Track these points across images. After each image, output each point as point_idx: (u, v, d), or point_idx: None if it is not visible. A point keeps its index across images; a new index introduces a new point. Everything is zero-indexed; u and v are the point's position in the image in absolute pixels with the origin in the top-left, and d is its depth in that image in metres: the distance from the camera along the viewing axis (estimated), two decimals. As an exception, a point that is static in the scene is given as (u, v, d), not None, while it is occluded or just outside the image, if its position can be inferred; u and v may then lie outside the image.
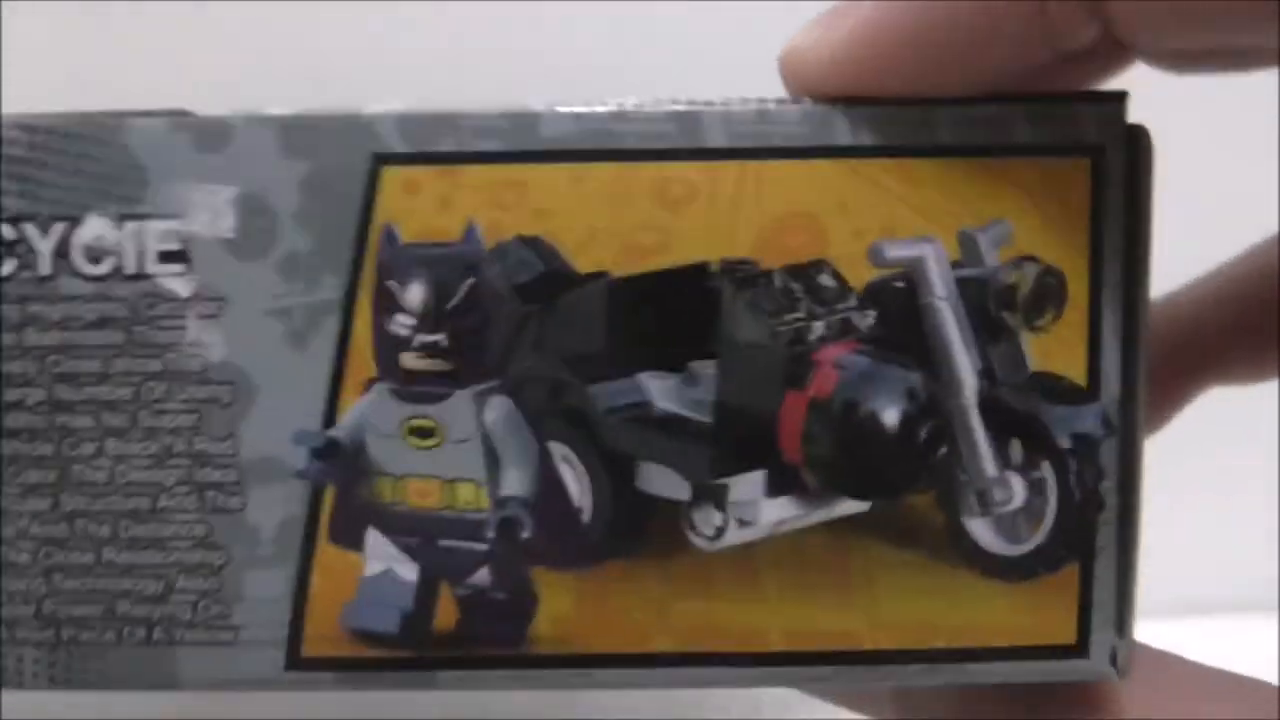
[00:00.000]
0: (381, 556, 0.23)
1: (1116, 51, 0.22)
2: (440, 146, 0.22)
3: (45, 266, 0.23)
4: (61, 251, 0.23)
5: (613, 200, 0.22)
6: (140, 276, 0.23)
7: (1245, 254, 0.30)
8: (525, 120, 0.22)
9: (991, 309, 0.22)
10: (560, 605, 0.23)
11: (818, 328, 0.23)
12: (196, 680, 0.23)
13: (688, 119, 0.22)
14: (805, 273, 0.22)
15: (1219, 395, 0.29)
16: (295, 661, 0.23)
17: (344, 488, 0.23)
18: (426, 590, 0.23)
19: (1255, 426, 0.39)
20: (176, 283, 0.23)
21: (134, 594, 0.23)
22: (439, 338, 0.22)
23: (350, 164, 0.22)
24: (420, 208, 0.22)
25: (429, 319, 0.22)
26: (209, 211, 0.23)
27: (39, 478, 0.23)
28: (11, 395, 0.23)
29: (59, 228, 0.23)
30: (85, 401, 0.23)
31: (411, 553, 0.23)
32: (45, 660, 0.23)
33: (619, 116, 0.22)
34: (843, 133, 0.22)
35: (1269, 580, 0.40)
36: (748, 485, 0.23)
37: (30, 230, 0.23)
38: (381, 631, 0.23)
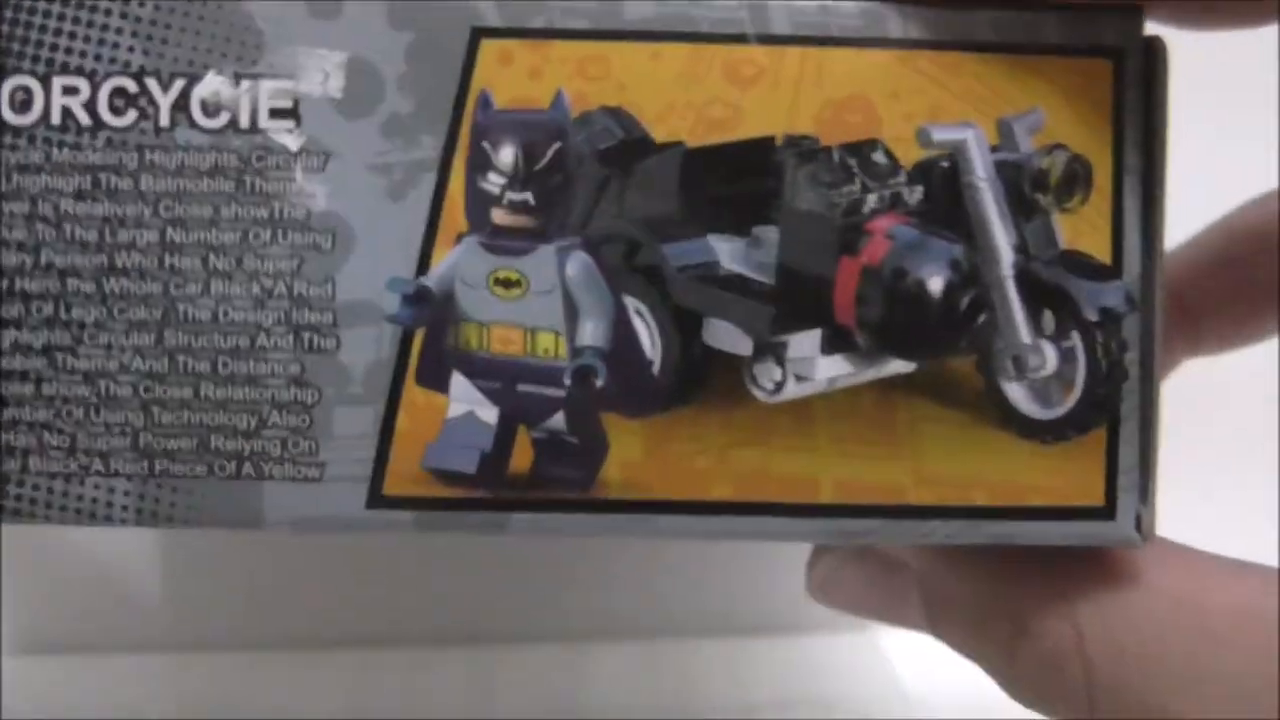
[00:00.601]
0: (465, 399, 0.24)
1: None
2: (532, 22, 0.24)
3: (164, 118, 0.24)
4: (180, 105, 0.24)
5: (688, 76, 0.24)
6: (253, 130, 0.24)
7: (1211, 226, 0.31)
8: (610, 2, 0.24)
9: (1026, 190, 0.24)
10: (629, 451, 0.24)
11: (871, 200, 0.24)
12: (280, 516, 0.24)
13: (757, 8, 0.24)
14: (860, 150, 0.24)
15: (1217, 395, 0.30)
16: (376, 499, 0.24)
17: (432, 333, 0.23)
18: (505, 432, 0.23)
19: (1255, 428, 0.40)
20: (286, 137, 0.24)
21: (227, 428, 0.24)
22: (527, 196, 0.24)
23: (451, 35, 0.24)
24: (513, 77, 0.24)
25: (518, 178, 0.24)
26: (319, 73, 0.24)
27: (145, 314, 0.24)
28: (124, 236, 0.24)
29: (179, 83, 0.24)
30: (195, 244, 0.24)
31: (493, 396, 0.24)
32: (135, 493, 0.24)
33: (695, 2, 0.24)
34: (895, 26, 0.24)
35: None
36: (805, 343, 0.24)
37: (152, 84, 0.24)
38: (461, 471, 0.24)
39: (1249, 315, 0.30)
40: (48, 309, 0.23)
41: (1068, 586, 0.24)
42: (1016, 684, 0.26)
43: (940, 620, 0.27)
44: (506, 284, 0.23)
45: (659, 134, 0.23)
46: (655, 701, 0.42)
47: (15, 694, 0.43)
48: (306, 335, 0.23)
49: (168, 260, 0.23)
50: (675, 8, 0.23)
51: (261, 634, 0.46)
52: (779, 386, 0.23)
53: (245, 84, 0.23)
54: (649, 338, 0.23)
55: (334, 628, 0.45)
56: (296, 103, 0.23)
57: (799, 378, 0.23)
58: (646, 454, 0.23)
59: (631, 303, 0.23)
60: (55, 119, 0.23)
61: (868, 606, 0.29)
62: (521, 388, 0.23)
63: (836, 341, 0.23)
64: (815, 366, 0.23)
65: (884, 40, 0.23)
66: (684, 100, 0.23)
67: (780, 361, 0.23)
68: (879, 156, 0.23)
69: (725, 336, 0.23)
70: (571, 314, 0.23)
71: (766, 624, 0.45)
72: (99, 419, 0.23)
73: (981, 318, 0.23)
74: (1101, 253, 0.23)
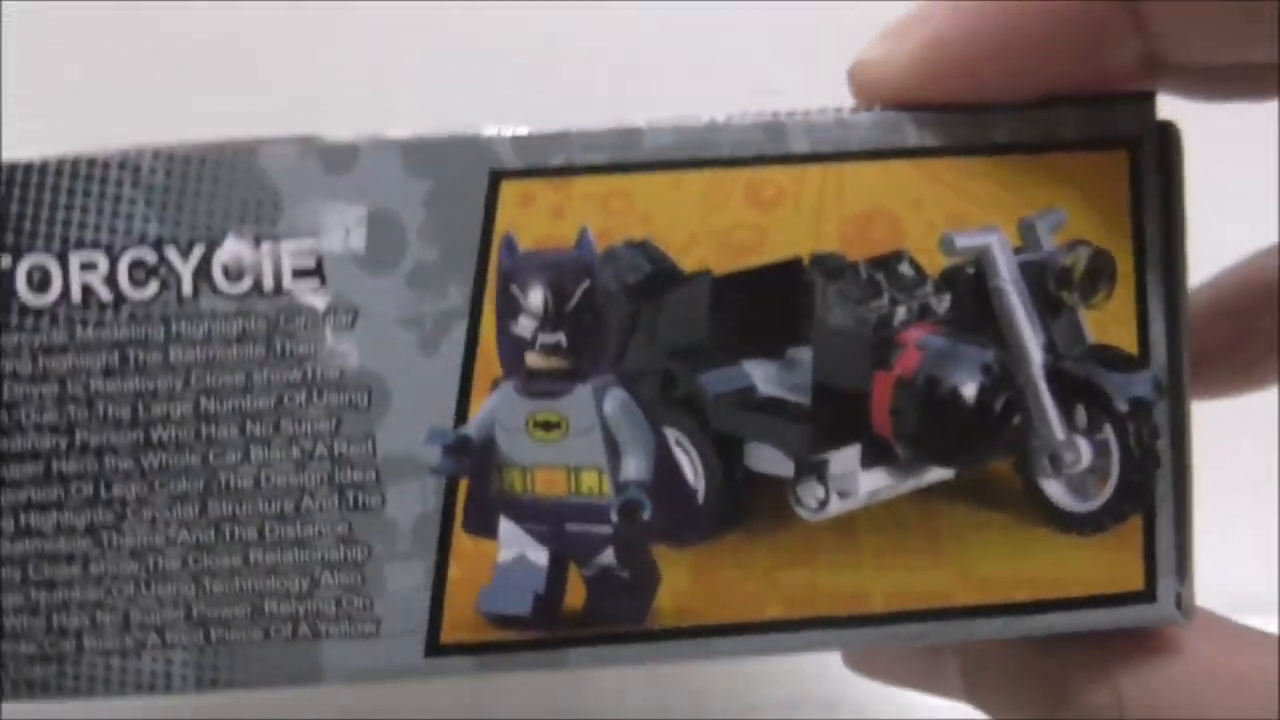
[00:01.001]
0: (514, 543, 0.23)
1: (1148, 73, 0.24)
2: (552, 161, 0.23)
3: (187, 287, 0.23)
4: (201, 272, 0.23)
5: (710, 203, 0.23)
6: (278, 292, 0.23)
7: (1216, 277, 0.31)
8: (629, 135, 0.23)
9: (1051, 289, 0.23)
10: (680, 580, 0.24)
11: (900, 312, 0.24)
12: (340, 672, 0.23)
13: (774, 128, 0.23)
14: (886, 263, 0.23)
15: (1221, 434, 0.30)
16: (435, 648, 0.23)
17: (476, 480, 0.23)
18: (556, 572, 0.23)
19: (1255, 427, 0.40)
20: (313, 297, 0.23)
21: (280, 592, 0.23)
22: (559, 337, 0.23)
23: (470, 180, 0.23)
24: (536, 218, 0.23)
25: (549, 320, 0.23)
26: (340, 229, 0.23)
27: (187, 486, 0.23)
28: (158, 410, 0.23)
29: (198, 249, 0.23)
30: (230, 412, 0.23)
31: (541, 538, 0.23)
32: (194, 662, 0.23)
33: (713, 127, 0.23)
34: (911, 136, 0.23)
35: (1269, 580, 0.41)
36: (845, 459, 0.24)
37: (171, 253, 0.23)
38: (516, 614, 0.23)
39: (1250, 364, 0.30)
40: (88, 489, 0.23)
41: (1108, 656, 0.25)
42: None
43: (979, 689, 0.27)
44: (546, 426, 0.23)
45: (686, 263, 0.23)
46: (655, 702, 0.42)
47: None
48: (351, 494, 0.23)
49: (204, 430, 0.23)
50: (692, 134, 0.23)
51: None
52: (823, 504, 0.23)
53: (266, 245, 0.23)
54: (691, 467, 0.23)
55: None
56: (320, 261, 0.23)
57: (842, 494, 0.23)
58: (696, 581, 0.23)
59: (672, 434, 0.23)
60: (76, 297, 0.23)
61: (906, 677, 0.29)
62: (569, 527, 0.23)
63: (876, 455, 0.23)
64: (857, 482, 0.23)
65: (901, 150, 0.23)
66: (708, 227, 0.23)
67: (822, 479, 0.23)
68: (905, 268, 0.23)
69: (767, 459, 0.23)
70: (613, 450, 0.23)
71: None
72: (150, 593, 0.23)
73: (1016, 419, 0.23)
74: (1128, 343, 0.23)
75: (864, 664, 0.29)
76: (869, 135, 0.23)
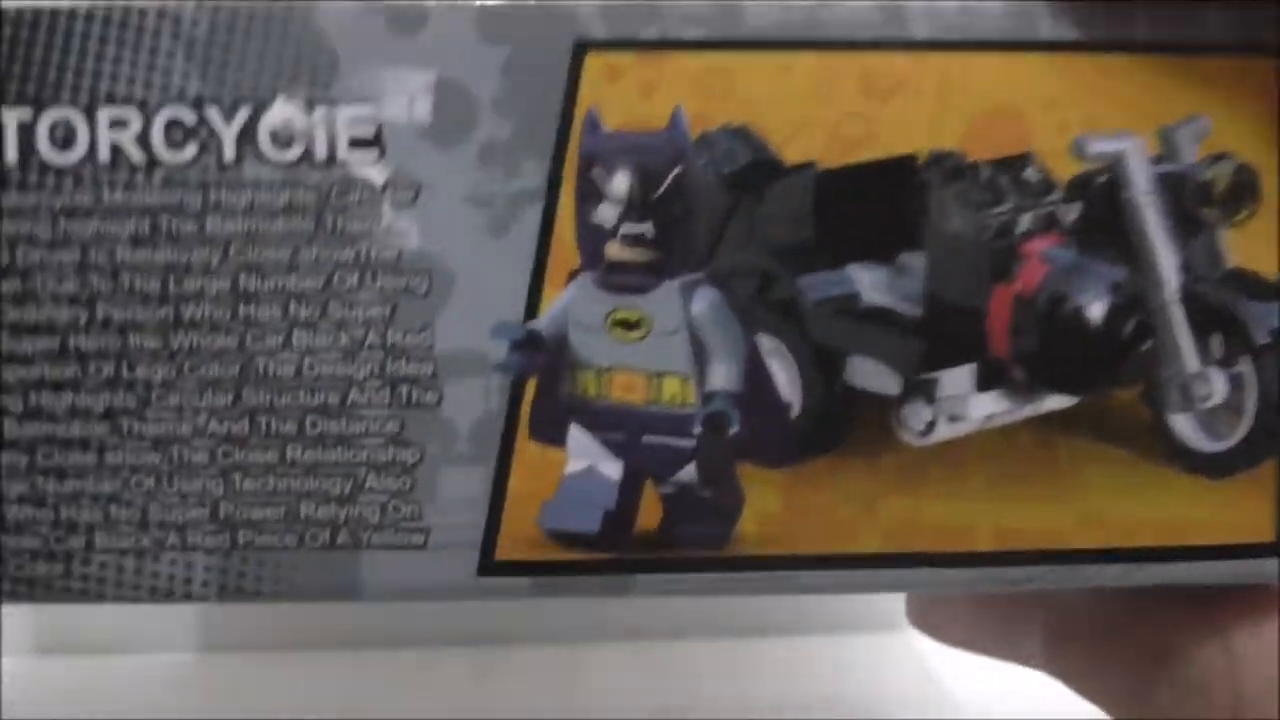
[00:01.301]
0: (584, 453, 0.20)
1: None
2: (644, 33, 0.21)
3: (229, 152, 0.21)
4: (246, 136, 0.20)
5: (819, 90, 0.21)
6: (331, 163, 0.20)
7: None
8: (729, 8, 0.21)
9: (1190, 204, 0.21)
10: (767, 504, 0.21)
11: (1024, 221, 0.21)
12: (381, 588, 0.21)
13: (892, 9, 0.21)
14: (1011, 166, 0.21)
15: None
16: (488, 566, 0.21)
17: (545, 382, 0.20)
18: (630, 488, 0.20)
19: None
20: (370, 169, 0.21)
21: (319, 494, 0.21)
22: (645, 227, 0.21)
23: (552, 50, 0.20)
24: (623, 95, 0.21)
25: (634, 208, 0.20)
26: (404, 96, 0.20)
27: (220, 371, 0.21)
28: (192, 285, 0.20)
29: (244, 111, 0.20)
30: (272, 292, 0.21)
31: (615, 449, 0.20)
32: (218, 568, 0.21)
33: (823, 5, 0.21)
34: (1045, 27, 0.21)
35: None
36: (957, 379, 0.21)
37: (213, 114, 0.20)
38: (582, 531, 0.21)
39: None
40: (108, 369, 0.20)
41: (1219, 614, 0.22)
42: (1150, 713, 0.23)
43: (1063, 656, 0.24)
44: (626, 325, 0.20)
45: (789, 155, 0.20)
46: (654, 702, 0.40)
47: (15, 691, 0.41)
48: (404, 389, 0.20)
49: (242, 310, 0.20)
50: (801, 12, 0.20)
51: (261, 635, 0.43)
52: (930, 428, 0.20)
53: (320, 110, 0.20)
54: (786, 379, 0.20)
55: (335, 629, 0.43)
56: (379, 130, 0.20)
57: (951, 418, 0.20)
58: (786, 506, 0.20)
59: (766, 341, 0.20)
60: (103, 156, 0.20)
61: (978, 641, 0.26)
62: (647, 439, 0.20)
63: (991, 377, 0.20)
64: (969, 405, 0.20)
65: (1034, 43, 0.20)
66: (815, 116, 0.20)
67: (931, 400, 0.20)
68: (1031, 173, 0.20)
69: (870, 375, 0.20)
70: (700, 355, 0.20)
71: (767, 625, 0.44)
72: (172, 489, 0.20)
73: (1146, 345, 0.20)
74: (1270, 269, 0.21)
75: (932, 623, 0.27)
76: (998, 23, 0.20)
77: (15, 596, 0.20)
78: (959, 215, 0.20)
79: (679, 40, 0.20)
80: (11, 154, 0.19)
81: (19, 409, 0.19)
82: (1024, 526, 0.20)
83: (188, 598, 0.20)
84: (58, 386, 0.20)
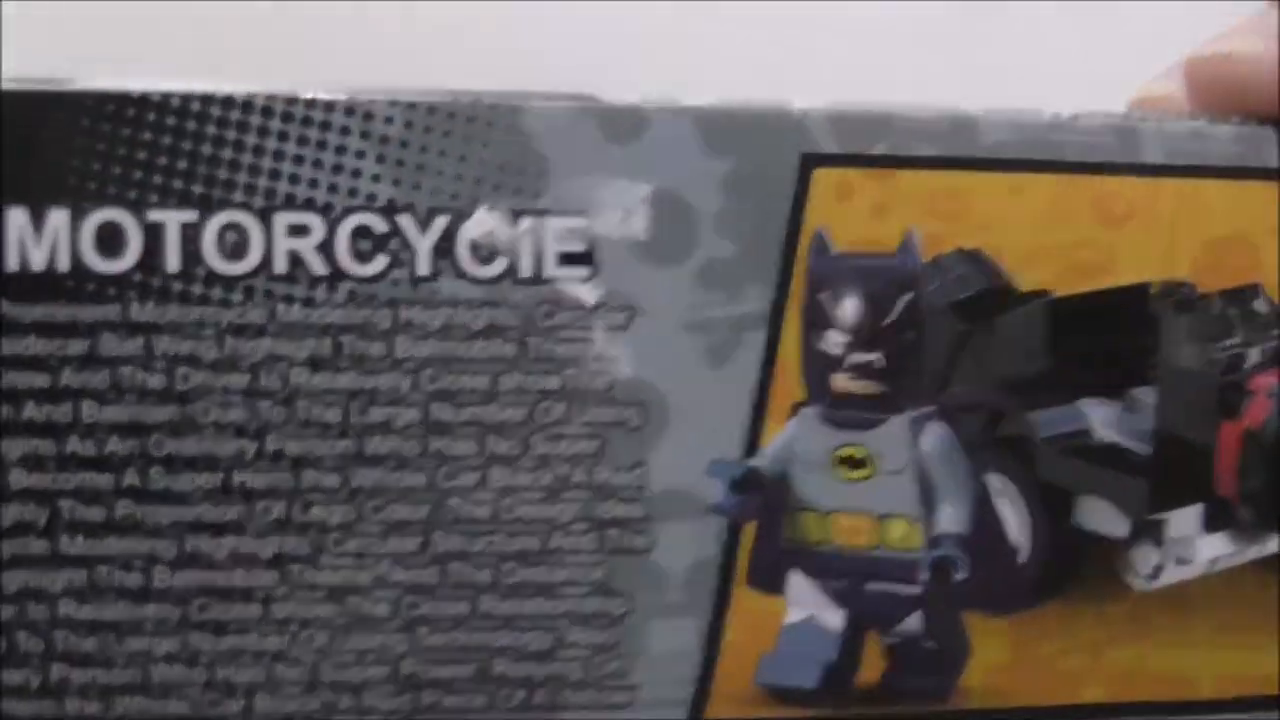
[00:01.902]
0: (805, 602, 0.18)
1: None
2: (874, 149, 0.19)
3: (423, 266, 0.18)
4: (443, 249, 0.18)
5: (1053, 214, 0.19)
6: (537, 280, 0.18)
7: None
8: (963, 124, 0.19)
9: None
10: (993, 654, 0.19)
11: (1253, 355, 0.20)
12: (578, 752, 0.18)
13: (1126, 132, 0.19)
14: (1241, 296, 0.19)
15: None
16: (697, 726, 0.18)
17: (765, 525, 0.17)
18: (853, 639, 0.18)
19: None
20: (580, 289, 0.18)
21: (515, 650, 0.18)
22: (874, 357, 0.19)
23: (778, 163, 0.18)
24: (853, 214, 0.19)
25: (863, 336, 0.18)
26: (619, 209, 0.18)
27: (408, 513, 0.18)
28: (377, 415, 0.18)
29: (441, 221, 0.18)
30: (467, 424, 0.18)
31: (838, 597, 0.18)
32: (395, 733, 0.18)
33: (1056, 126, 0.19)
34: (1272, 154, 0.20)
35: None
36: (1185, 520, 0.19)
37: (406, 222, 0.18)
38: (799, 687, 0.18)
39: None
40: (278, 509, 0.17)
41: None
42: None
43: None
44: (852, 463, 0.18)
45: (1022, 281, 0.18)
46: None
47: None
48: (613, 533, 0.18)
49: (433, 444, 0.17)
50: (1035, 132, 0.18)
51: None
52: (1157, 571, 0.19)
53: (526, 222, 0.17)
54: (1014, 521, 0.18)
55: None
56: (592, 246, 0.17)
57: (1179, 560, 0.19)
58: (1012, 657, 0.18)
59: (995, 480, 0.18)
60: (280, 266, 0.17)
61: None
62: (871, 586, 0.18)
63: (1218, 518, 0.19)
64: (1196, 547, 0.19)
65: (1262, 170, 0.19)
66: (1049, 242, 0.18)
67: (1159, 543, 0.19)
68: (1260, 304, 0.19)
69: (1099, 517, 0.19)
70: (928, 496, 0.18)
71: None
72: (348, 645, 0.17)
73: (1371, 485, 0.19)
74: None
75: None
76: (1227, 149, 0.19)
77: (165, 770, 0.17)
78: (1190, 349, 0.18)
79: (911, 157, 0.18)
80: (174, 262, 0.16)
81: (171, 555, 0.16)
82: (1246, 674, 0.19)
83: (354, 765, 0.17)
84: (219, 529, 0.16)
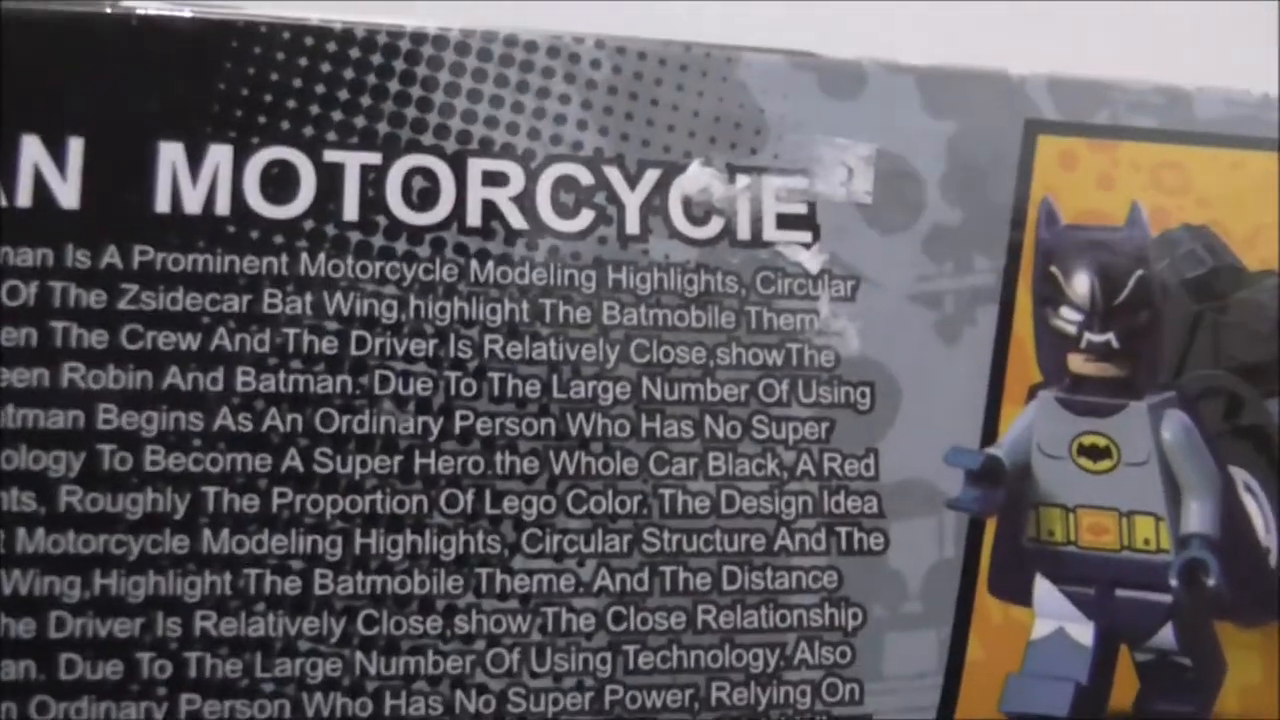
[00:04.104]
0: (1052, 612, 0.13)
1: None
2: (1096, 118, 0.16)
3: (632, 223, 0.14)
4: (654, 205, 0.14)
5: (1273, 191, 0.16)
6: (756, 243, 0.14)
7: None
8: (1179, 98, 0.16)
9: None
10: (1248, 672, 0.15)
11: None
12: (808, 794, 0.14)
13: (1331, 115, 0.17)
14: None
15: None
16: (939, 760, 0.14)
17: (1006, 522, 0.13)
18: (1104, 656, 0.13)
19: None
20: (802, 253, 0.14)
21: (735, 672, 0.14)
22: (1108, 337, 0.15)
23: (1003, 129, 0.15)
24: (1079, 184, 0.15)
25: (1096, 315, 0.15)
26: (840, 169, 0.15)
27: (613, 507, 0.14)
28: (580, 390, 0.14)
29: (652, 175, 0.14)
30: (682, 404, 0.14)
31: (1086, 607, 0.13)
32: (596, 775, 0.13)
33: (1267, 104, 0.17)
34: None
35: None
36: None
37: (614, 175, 0.14)
38: (1050, 715, 0.14)
39: None
40: (465, 500, 0.13)
41: None
42: None
43: None
44: (1094, 453, 0.14)
45: (1249, 260, 0.15)
46: None
47: None
48: (844, 530, 0.14)
49: (644, 425, 0.13)
50: (1246, 110, 0.16)
51: None
52: None
53: (743, 180, 0.14)
54: (1262, 519, 0.15)
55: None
56: (812, 207, 0.14)
57: None
58: (1265, 673, 0.15)
59: (1239, 474, 0.15)
60: (474, 219, 0.13)
61: None
62: (1120, 593, 0.14)
63: None
64: None
65: None
66: (1271, 220, 0.16)
67: (1407, 546, 0.15)
68: None
69: (1345, 517, 0.15)
70: (1172, 491, 0.15)
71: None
72: (544, 667, 0.13)
73: None
74: None
75: None
76: None
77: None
78: None
79: (1131, 128, 0.15)
80: (352, 209, 0.12)
81: (336, 556, 0.12)
82: None
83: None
84: (394, 524, 0.12)
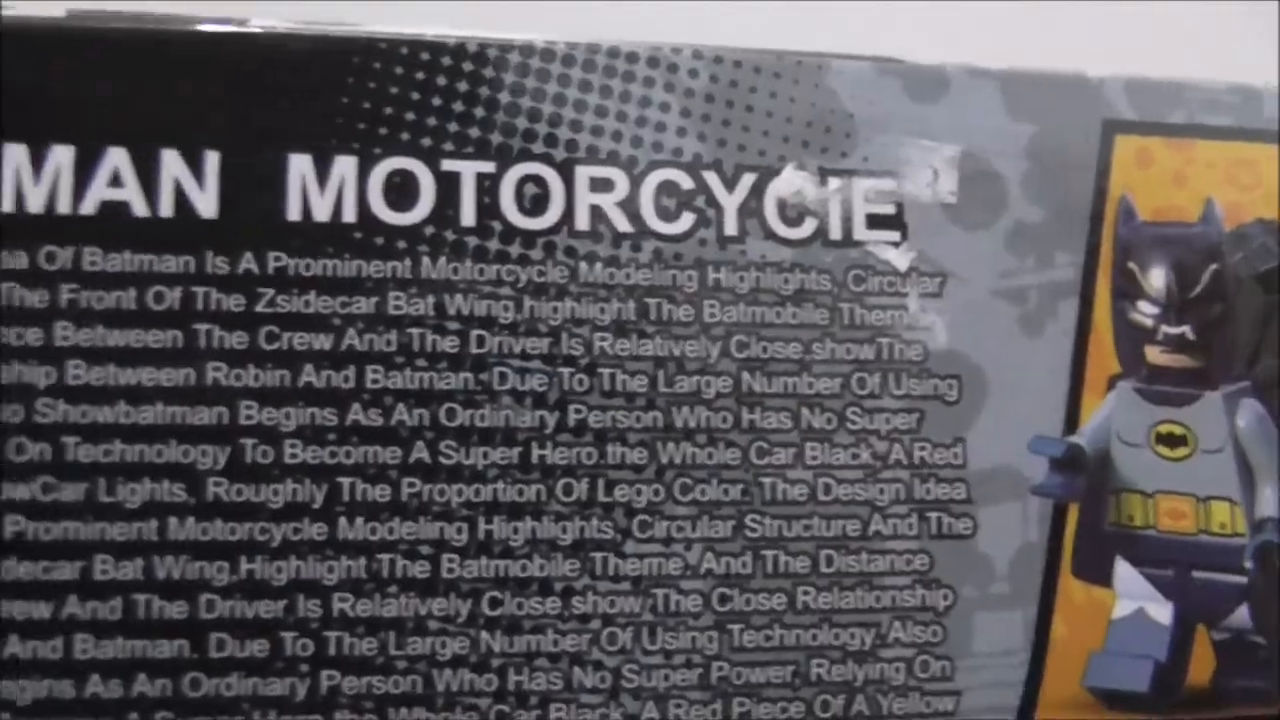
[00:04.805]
0: (1133, 594, 0.14)
1: None
2: (1171, 117, 0.16)
3: (731, 225, 0.15)
4: (751, 207, 0.15)
5: None
6: (847, 242, 0.15)
7: None
8: (1249, 96, 0.16)
9: None
10: None
11: None
12: (901, 765, 0.14)
13: (1401, 111, 0.17)
14: None
15: None
16: (1027, 734, 0.14)
17: (1088, 507, 0.14)
18: (1182, 635, 0.14)
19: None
20: (891, 252, 0.15)
21: (833, 650, 0.14)
22: (1184, 329, 0.15)
23: (1081, 130, 0.15)
24: (1155, 182, 0.16)
25: (1172, 307, 0.15)
26: (927, 170, 0.15)
27: (719, 494, 0.14)
28: (685, 384, 0.14)
29: (748, 179, 0.15)
30: (781, 395, 0.14)
31: (1165, 588, 0.14)
32: (703, 747, 0.14)
33: None
34: None
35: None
36: None
37: (713, 180, 0.15)
38: (1131, 691, 0.15)
39: None
40: (579, 489, 0.13)
41: None
42: None
43: None
44: (1171, 441, 0.15)
45: (1319, 255, 0.16)
46: None
47: None
48: (934, 516, 0.14)
49: (745, 417, 0.14)
50: (1316, 106, 0.16)
51: None
52: None
53: (834, 182, 0.14)
54: (1331, 505, 0.15)
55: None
56: (900, 207, 0.15)
57: None
58: (1335, 654, 0.15)
59: (1310, 462, 0.15)
60: (582, 223, 0.14)
61: None
62: (1197, 575, 0.15)
63: None
64: None
65: None
66: (1341, 215, 0.16)
67: None
68: None
69: None
70: (1246, 477, 0.15)
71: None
72: (655, 645, 0.13)
73: None
74: None
75: None
76: None
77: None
78: None
79: (1206, 127, 0.15)
80: (469, 215, 0.13)
81: (462, 541, 0.13)
82: None
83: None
84: (515, 511, 0.13)
